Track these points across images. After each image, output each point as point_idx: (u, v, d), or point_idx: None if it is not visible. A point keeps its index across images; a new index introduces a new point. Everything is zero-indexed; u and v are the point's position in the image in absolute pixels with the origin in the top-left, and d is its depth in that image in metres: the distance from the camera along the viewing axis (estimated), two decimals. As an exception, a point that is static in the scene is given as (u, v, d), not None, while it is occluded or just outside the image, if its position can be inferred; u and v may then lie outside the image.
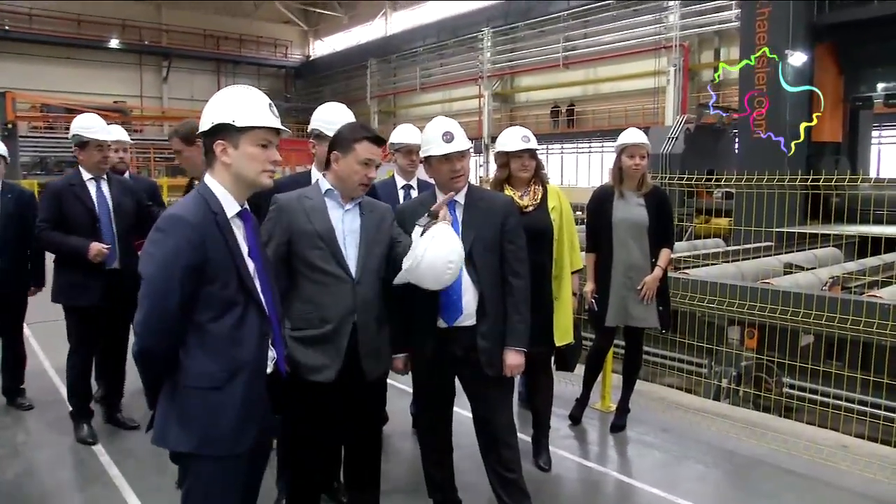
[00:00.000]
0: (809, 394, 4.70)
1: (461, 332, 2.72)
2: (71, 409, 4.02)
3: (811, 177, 4.49)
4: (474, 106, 27.01)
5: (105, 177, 3.94)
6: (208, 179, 1.99)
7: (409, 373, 2.87)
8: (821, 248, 7.97)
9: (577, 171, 25.58)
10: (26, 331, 4.72)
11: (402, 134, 3.84)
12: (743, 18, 11.73)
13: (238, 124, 1.93)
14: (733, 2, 18.39)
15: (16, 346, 4.57)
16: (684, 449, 4.00)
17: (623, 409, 4.31)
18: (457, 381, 2.90)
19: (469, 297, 2.71)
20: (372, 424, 2.76)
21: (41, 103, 27.65)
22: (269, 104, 2.01)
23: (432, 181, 2.87)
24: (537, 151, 3.50)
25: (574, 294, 3.72)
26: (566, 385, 4.62)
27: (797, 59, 10.32)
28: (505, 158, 3.45)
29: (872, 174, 14.28)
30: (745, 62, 10.46)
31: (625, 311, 4.00)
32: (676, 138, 13.70)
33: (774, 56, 10.04)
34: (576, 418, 4.37)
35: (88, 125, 3.85)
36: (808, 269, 6.78)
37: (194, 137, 3.24)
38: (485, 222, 2.76)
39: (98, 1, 30.11)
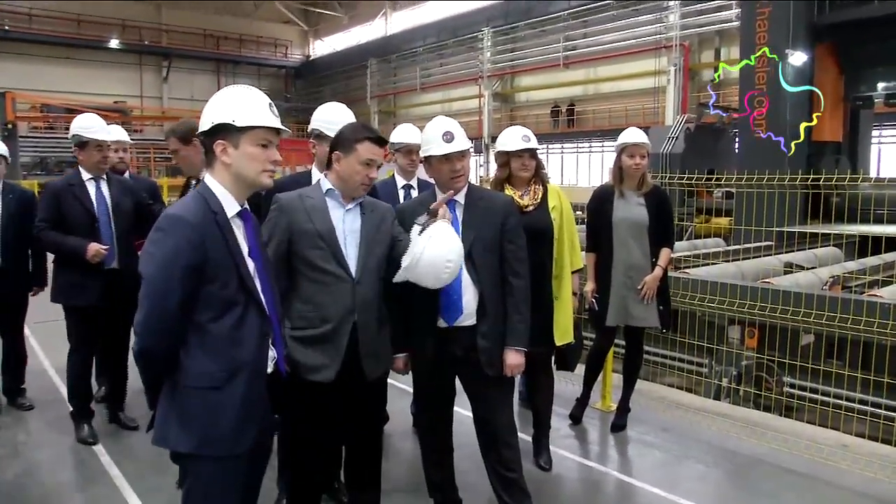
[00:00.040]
0: (810, 393, 4.70)
1: (461, 331, 2.72)
2: (71, 409, 4.02)
3: (811, 176, 4.49)
4: (474, 106, 27.01)
5: (105, 177, 3.94)
6: (208, 179, 1.98)
7: (410, 373, 2.87)
8: (821, 247, 7.96)
9: (578, 171, 25.59)
10: (26, 330, 4.72)
11: (403, 134, 3.84)
12: (743, 18, 11.73)
13: (238, 124, 1.93)
14: (733, 1, 18.38)
15: (17, 346, 4.58)
16: (685, 448, 4.00)
17: (623, 408, 4.31)
18: (457, 380, 2.90)
19: (469, 297, 2.71)
20: (372, 424, 2.76)
21: (41, 103, 27.68)
22: (270, 104, 2.01)
23: (432, 181, 2.87)
24: (537, 151, 3.50)
25: (574, 294, 3.72)
26: (566, 384, 4.63)
27: (797, 58, 10.31)
28: (505, 158, 3.45)
29: (873, 174, 14.28)
30: (745, 62, 10.45)
31: (625, 310, 4.00)
32: (677, 138, 13.69)
33: (774, 56, 10.02)
34: (576, 418, 4.37)
35: (88, 125, 3.85)
36: (808, 269, 6.78)
37: (191, 137, 3.24)
38: (485, 222, 2.76)
39: (98, 1, 30.11)
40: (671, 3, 20.33)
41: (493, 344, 2.73)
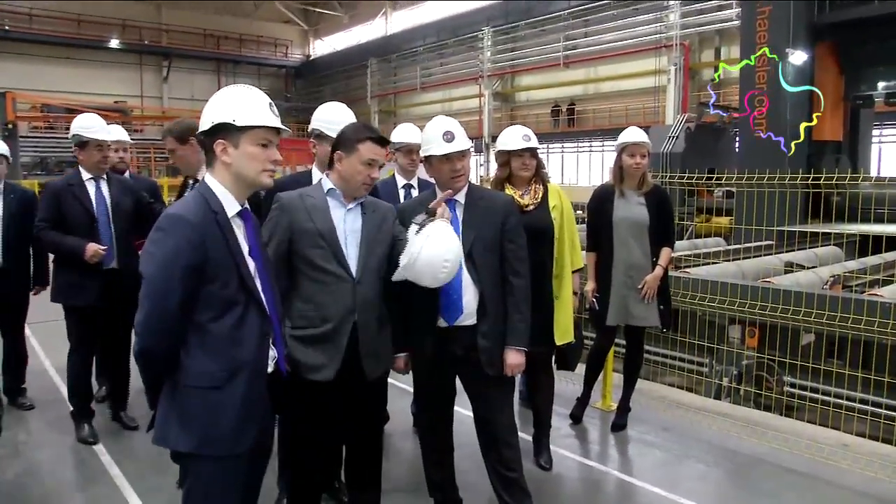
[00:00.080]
0: (810, 392, 4.70)
1: (462, 331, 2.72)
2: (72, 408, 4.02)
3: (812, 175, 4.49)
4: (475, 105, 26.99)
5: (105, 177, 3.94)
6: (208, 179, 1.98)
7: (410, 372, 2.87)
8: (821, 246, 7.96)
9: (578, 171, 25.59)
10: (27, 330, 4.72)
11: (403, 133, 3.84)
12: (743, 17, 11.72)
13: (238, 124, 1.93)
14: (734, 1, 18.38)
15: (17, 346, 4.58)
16: (685, 448, 4.00)
17: (624, 408, 4.31)
18: (457, 380, 2.90)
19: (469, 297, 2.71)
20: (372, 424, 2.76)
21: (41, 103, 27.69)
22: (270, 103, 2.01)
23: (433, 180, 2.87)
24: (538, 150, 3.50)
25: (575, 293, 3.72)
26: (567, 384, 4.63)
27: (797, 58, 10.30)
28: (506, 157, 3.45)
29: (873, 173, 14.27)
30: (745, 62, 10.44)
31: (625, 310, 4.00)
32: (677, 137, 13.68)
33: (775, 56, 10.02)
34: (577, 417, 4.37)
35: (88, 125, 3.85)
36: (808, 268, 6.77)
37: (187, 136, 3.23)
38: (485, 221, 2.76)
39: (98, 1, 30.11)
40: (671, 3, 20.32)
41: (493, 343, 2.73)
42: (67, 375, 4.01)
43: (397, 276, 2.51)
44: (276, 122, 1.99)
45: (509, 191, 3.41)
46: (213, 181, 1.97)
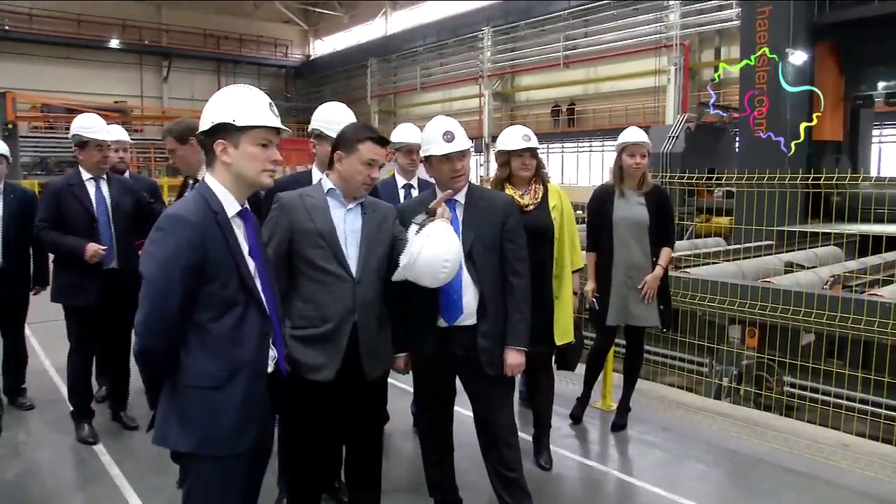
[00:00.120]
0: (810, 392, 4.70)
1: (462, 331, 2.72)
2: (72, 408, 4.02)
3: (812, 175, 4.49)
4: (475, 105, 27.00)
5: (105, 177, 3.94)
6: (208, 179, 1.98)
7: (410, 372, 2.87)
8: (821, 246, 7.96)
9: (578, 171, 25.58)
10: (27, 330, 4.72)
11: (403, 133, 3.84)
12: (743, 17, 11.72)
13: (238, 123, 1.93)
14: (734, 1, 18.38)
15: (17, 346, 4.58)
16: (685, 448, 4.00)
17: (624, 408, 4.31)
18: (457, 380, 2.90)
19: (469, 297, 2.71)
20: (372, 424, 2.76)
21: (41, 103, 27.69)
22: (270, 103, 2.01)
23: (433, 180, 2.87)
24: (538, 150, 3.50)
25: (575, 293, 3.72)
26: (567, 384, 4.63)
27: (797, 58, 10.30)
28: (506, 157, 3.45)
29: (873, 173, 14.27)
30: (745, 62, 10.44)
31: (625, 310, 4.00)
32: (677, 137, 13.69)
33: (775, 56, 10.02)
34: (577, 417, 4.37)
35: (88, 125, 3.85)
36: (808, 268, 6.77)
37: (187, 136, 3.23)
38: (485, 221, 2.76)
39: (98, 1, 30.11)
40: (671, 3, 20.33)
41: (493, 343, 2.73)
42: (67, 375, 4.01)
43: (397, 276, 2.51)
44: (276, 122, 1.99)
45: (509, 191, 3.41)
46: (213, 181, 1.97)
